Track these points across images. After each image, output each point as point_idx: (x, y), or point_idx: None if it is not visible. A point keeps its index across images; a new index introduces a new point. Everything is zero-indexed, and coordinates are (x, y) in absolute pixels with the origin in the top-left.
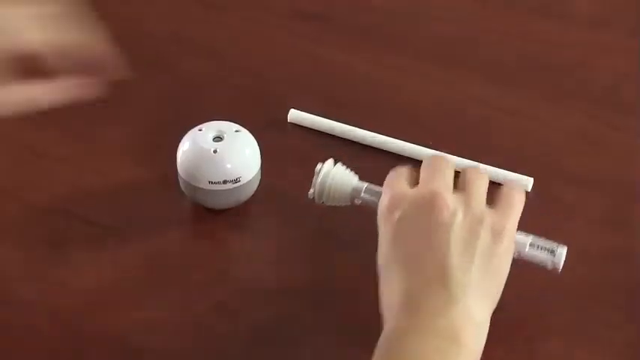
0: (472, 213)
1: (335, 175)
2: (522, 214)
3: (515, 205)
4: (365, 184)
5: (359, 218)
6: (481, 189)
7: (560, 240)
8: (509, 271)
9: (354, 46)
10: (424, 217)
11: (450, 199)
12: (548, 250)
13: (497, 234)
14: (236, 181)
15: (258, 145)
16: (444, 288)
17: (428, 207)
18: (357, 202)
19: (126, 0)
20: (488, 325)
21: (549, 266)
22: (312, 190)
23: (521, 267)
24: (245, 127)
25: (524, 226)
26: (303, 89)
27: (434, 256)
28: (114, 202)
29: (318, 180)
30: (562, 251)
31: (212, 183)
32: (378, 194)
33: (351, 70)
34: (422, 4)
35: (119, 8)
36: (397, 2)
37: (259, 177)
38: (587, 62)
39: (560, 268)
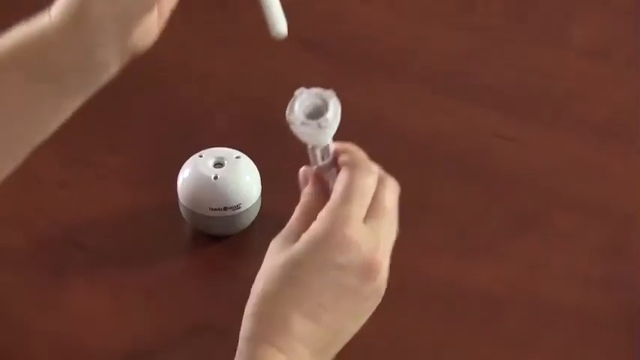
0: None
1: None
2: (524, 241)
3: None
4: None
5: None
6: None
7: (561, 267)
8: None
9: (353, 76)
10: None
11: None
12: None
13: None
14: (237, 207)
15: (259, 171)
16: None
17: (363, 274)
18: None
19: None
20: None
21: None
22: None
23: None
24: (245, 154)
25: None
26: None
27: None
28: (114, 229)
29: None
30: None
31: (213, 209)
32: (328, 167)
33: (350, 99)
34: (421, 35)
35: None
36: (397, 33)
37: (260, 203)
38: (586, 92)
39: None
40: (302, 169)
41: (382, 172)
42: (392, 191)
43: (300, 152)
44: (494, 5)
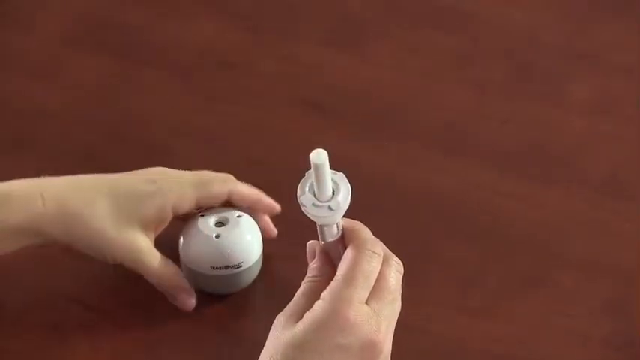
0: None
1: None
2: (525, 299)
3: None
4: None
5: None
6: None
7: (562, 325)
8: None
9: (354, 135)
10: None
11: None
12: None
13: None
14: (238, 266)
15: (260, 230)
16: None
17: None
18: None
19: (127, 90)
20: None
21: None
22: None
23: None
24: (246, 213)
25: (528, 310)
26: (302, 177)
27: None
28: (114, 287)
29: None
30: None
31: (214, 268)
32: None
33: (351, 158)
34: (421, 92)
35: (120, 99)
36: (396, 91)
37: (261, 261)
38: (586, 149)
39: None
40: (309, 243)
41: (387, 251)
42: (396, 270)
43: (301, 212)
44: (494, 60)
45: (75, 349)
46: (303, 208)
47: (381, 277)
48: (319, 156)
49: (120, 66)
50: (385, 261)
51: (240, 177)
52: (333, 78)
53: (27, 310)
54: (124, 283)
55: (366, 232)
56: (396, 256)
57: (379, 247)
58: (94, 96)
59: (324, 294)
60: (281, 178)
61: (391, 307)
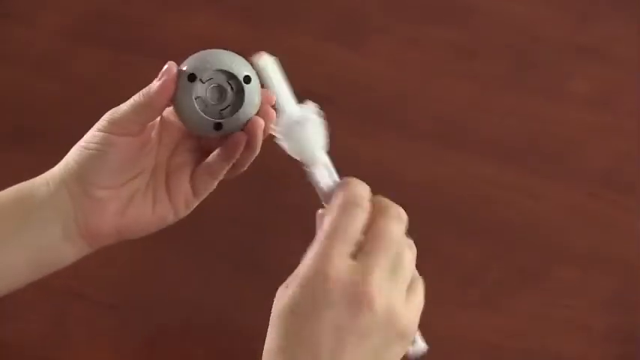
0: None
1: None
2: (525, 292)
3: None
4: (327, 160)
5: None
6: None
7: (562, 319)
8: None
9: (353, 128)
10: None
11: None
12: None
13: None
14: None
15: None
16: None
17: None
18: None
19: (127, 83)
20: None
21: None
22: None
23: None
24: None
25: (529, 303)
26: (303, 170)
27: None
28: (115, 282)
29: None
30: (422, 345)
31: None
32: (328, 192)
33: (350, 151)
34: (422, 84)
35: (121, 91)
36: (396, 84)
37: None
38: (587, 141)
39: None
40: (318, 213)
41: (387, 202)
42: (393, 220)
43: (304, 200)
44: (494, 54)
45: (76, 344)
46: (277, 140)
47: (373, 229)
48: (262, 58)
49: (120, 58)
50: (381, 212)
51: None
52: (333, 71)
53: (28, 305)
54: (126, 278)
55: (354, 185)
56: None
57: (366, 200)
58: (94, 89)
59: (306, 255)
60: (282, 168)
61: (386, 257)
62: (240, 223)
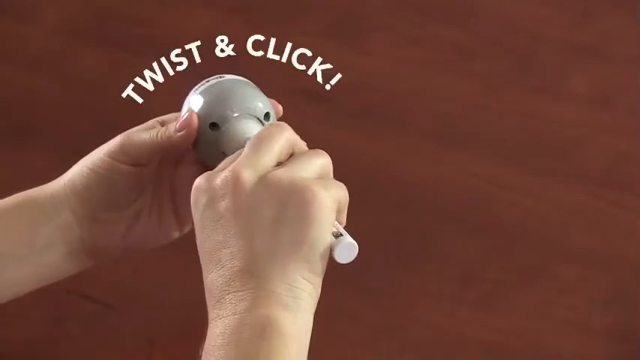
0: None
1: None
2: (525, 290)
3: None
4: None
5: None
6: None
7: (561, 317)
8: None
9: (354, 126)
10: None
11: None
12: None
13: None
14: None
15: None
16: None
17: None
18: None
19: (127, 81)
20: (315, 292)
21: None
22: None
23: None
24: None
25: (529, 302)
26: None
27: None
28: (116, 281)
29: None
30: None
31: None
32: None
33: (350, 146)
34: (422, 83)
35: (121, 90)
36: (397, 82)
37: None
38: (587, 140)
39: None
40: None
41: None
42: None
43: None
44: (494, 53)
45: (76, 342)
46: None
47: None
48: None
49: (119, 57)
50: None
51: None
52: (333, 67)
53: (29, 303)
54: (126, 277)
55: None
56: (395, 248)
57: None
58: (92, 87)
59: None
60: None
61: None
62: None
